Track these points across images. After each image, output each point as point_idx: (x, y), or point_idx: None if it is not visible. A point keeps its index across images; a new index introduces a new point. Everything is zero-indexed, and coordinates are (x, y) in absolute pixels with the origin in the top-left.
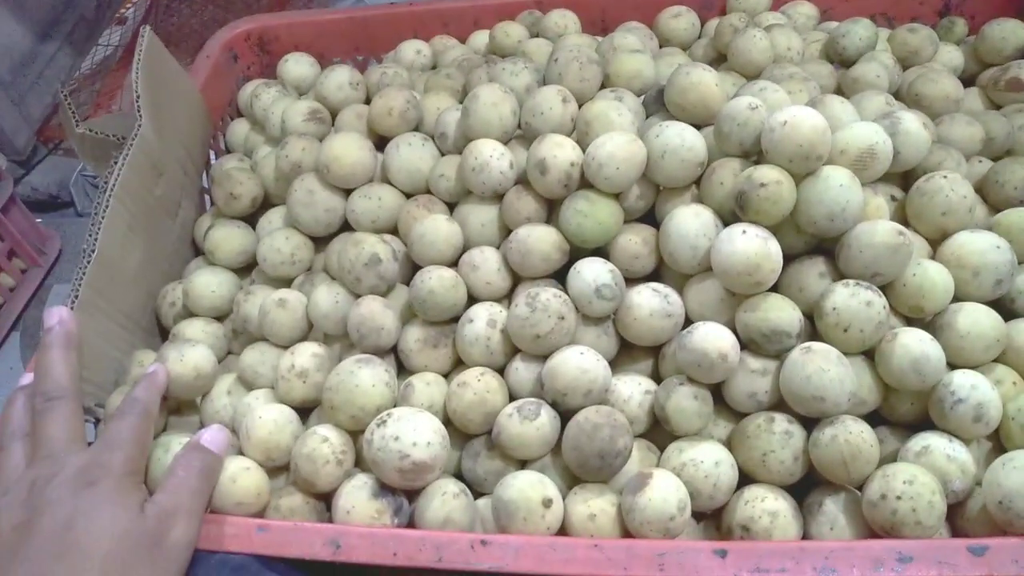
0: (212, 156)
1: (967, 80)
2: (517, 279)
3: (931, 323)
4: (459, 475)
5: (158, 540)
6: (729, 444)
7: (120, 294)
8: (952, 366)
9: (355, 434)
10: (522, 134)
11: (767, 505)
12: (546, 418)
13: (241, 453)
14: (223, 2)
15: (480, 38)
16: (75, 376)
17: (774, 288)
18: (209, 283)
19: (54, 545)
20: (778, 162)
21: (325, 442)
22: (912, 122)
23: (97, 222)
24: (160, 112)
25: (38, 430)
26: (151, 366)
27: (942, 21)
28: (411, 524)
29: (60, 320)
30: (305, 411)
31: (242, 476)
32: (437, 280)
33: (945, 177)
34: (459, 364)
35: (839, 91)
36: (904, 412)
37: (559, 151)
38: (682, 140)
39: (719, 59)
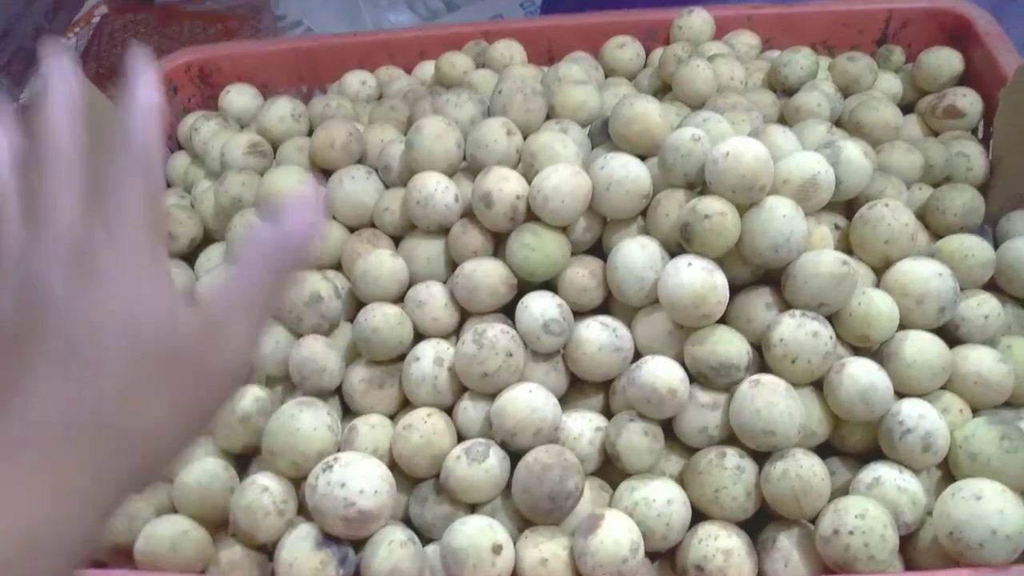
0: None
1: (905, 107)
2: (465, 314)
3: (878, 352)
4: (407, 520)
5: (197, 360)
6: (681, 480)
7: None
8: (900, 395)
9: (297, 480)
10: (467, 166)
11: (720, 543)
12: (495, 459)
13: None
14: (170, 32)
15: (426, 69)
16: (76, 133)
17: (722, 320)
18: None
19: (49, 357)
20: (722, 193)
21: (265, 492)
22: (853, 151)
23: None
24: (87, 146)
25: (35, 197)
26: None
27: (880, 50)
28: (357, 574)
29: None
30: (249, 457)
31: (182, 543)
32: (381, 318)
33: (887, 205)
34: (406, 404)
35: (782, 119)
36: (854, 442)
37: (505, 184)
38: (627, 172)
39: (664, 89)
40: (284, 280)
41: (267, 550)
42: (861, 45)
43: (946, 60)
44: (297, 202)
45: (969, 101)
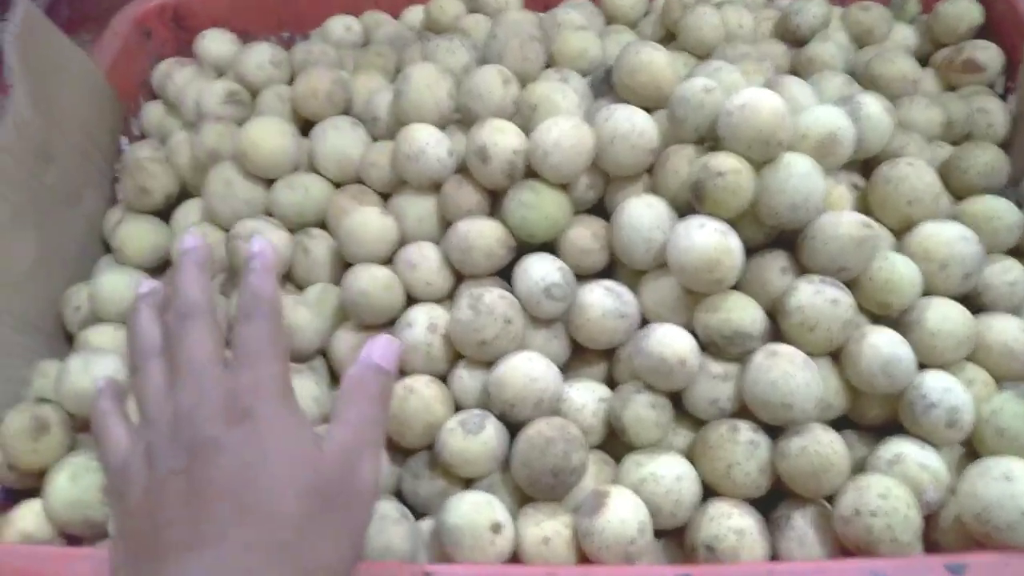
0: (125, 142)
1: (920, 61)
2: (460, 277)
3: (899, 320)
4: (397, 494)
5: (345, 486)
6: (690, 455)
7: (11, 295)
8: (922, 365)
9: None
10: (460, 118)
11: (733, 523)
12: (492, 431)
13: None
14: None
15: (414, 14)
16: (210, 295)
17: (734, 285)
18: (117, 284)
19: (231, 507)
20: (736, 149)
21: None
22: (874, 106)
23: None
24: (46, 92)
25: (175, 349)
26: (253, 242)
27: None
28: None
29: (195, 244)
30: None
31: None
32: (369, 280)
33: (910, 164)
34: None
35: (793, 71)
36: (873, 416)
37: (500, 137)
38: (632, 125)
39: (668, 37)
40: (386, 407)
41: None
42: None
43: (965, 10)
44: (377, 339)
45: (989, 54)
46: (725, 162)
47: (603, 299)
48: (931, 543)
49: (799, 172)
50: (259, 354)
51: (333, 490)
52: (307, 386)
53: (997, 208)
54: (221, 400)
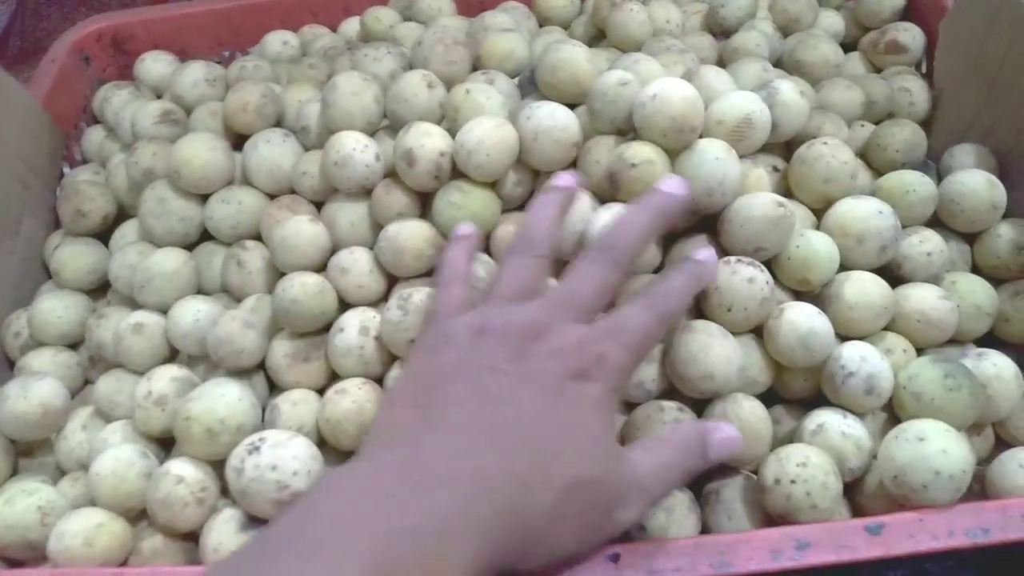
0: (67, 168)
1: (848, 46)
2: (394, 280)
3: (819, 295)
4: None
5: (610, 510)
6: (620, 438)
7: None
8: (843, 338)
9: (212, 461)
10: (388, 124)
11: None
12: None
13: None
14: (97, 4)
15: (351, 25)
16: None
17: (657, 269)
18: (55, 308)
19: (538, 461)
20: (651, 138)
21: (180, 483)
22: (790, 92)
23: None
24: None
25: (502, 273)
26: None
27: None
28: None
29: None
30: (169, 442)
31: (97, 536)
32: (300, 287)
33: (825, 143)
34: (335, 377)
35: (720, 63)
36: (798, 389)
37: (427, 140)
38: (554, 121)
39: (599, 36)
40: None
41: (192, 537)
42: None
43: None
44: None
45: (911, 36)
46: (639, 152)
47: None
48: (859, 508)
49: (712, 157)
50: (624, 328)
51: (604, 504)
52: (243, 391)
53: (912, 182)
54: (569, 346)
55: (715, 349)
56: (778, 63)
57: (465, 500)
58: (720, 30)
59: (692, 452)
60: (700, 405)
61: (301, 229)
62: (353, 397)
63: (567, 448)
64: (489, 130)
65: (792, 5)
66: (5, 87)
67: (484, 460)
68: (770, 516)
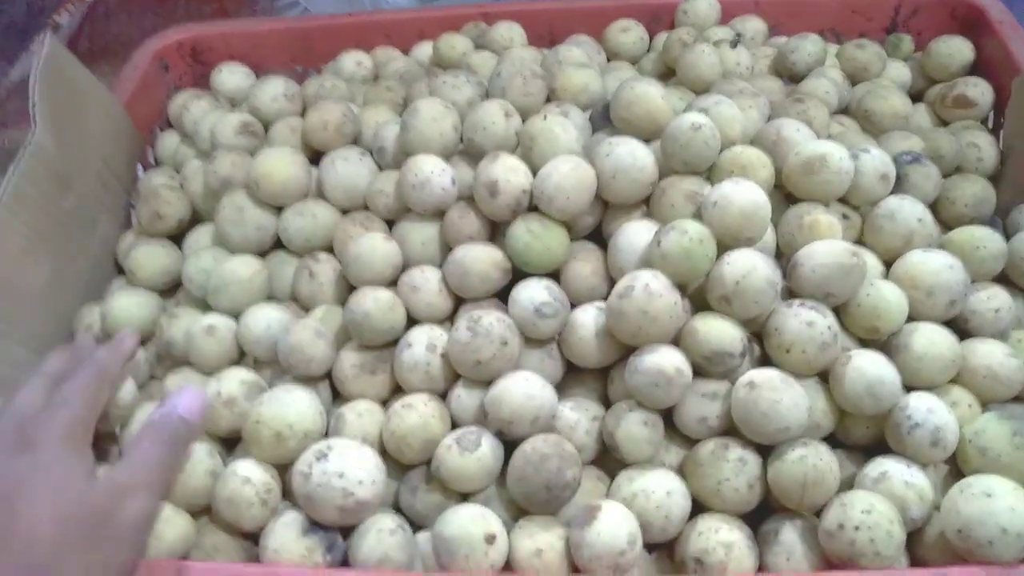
0: (140, 170)
1: (914, 96)
2: (459, 301)
3: (886, 344)
4: (395, 507)
5: (106, 518)
6: (680, 471)
7: (24, 315)
8: (907, 388)
9: (279, 465)
10: (464, 149)
11: (722, 536)
12: (487, 448)
13: None
14: (164, 11)
15: (424, 50)
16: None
17: (727, 307)
18: (128, 305)
19: None
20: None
21: (247, 483)
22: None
23: None
24: (67, 121)
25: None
26: (121, 333)
27: (889, 38)
28: (344, 561)
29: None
30: (234, 442)
31: (164, 529)
32: (373, 302)
33: (904, 199)
34: (397, 390)
35: (788, 107)
36: (859, 436)
37: (513, 176)
38: (634, 159)
39: (668, 74)
40: (177, 453)
41: (251, 536)
42: (870, 33)
43: (957, 49)
44: (185, 389)
45: (980, 91)
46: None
47: (596, 317)
48: (917, 559)
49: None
50: (62, 401)
51: (92, 521)
52: (312, 399)
53: (983, 237)
54: (10, 433)
55: (784, 402)
56: (845, 111)
57: None
58: (788, 74)
59: (164, 439)
60: (763, 445)
61: (376, 246)
62: (419, 413)
63: None
64: (567, 175)
65: (860, 54)
66: (93, 90)
67: None
68: (829, 560)
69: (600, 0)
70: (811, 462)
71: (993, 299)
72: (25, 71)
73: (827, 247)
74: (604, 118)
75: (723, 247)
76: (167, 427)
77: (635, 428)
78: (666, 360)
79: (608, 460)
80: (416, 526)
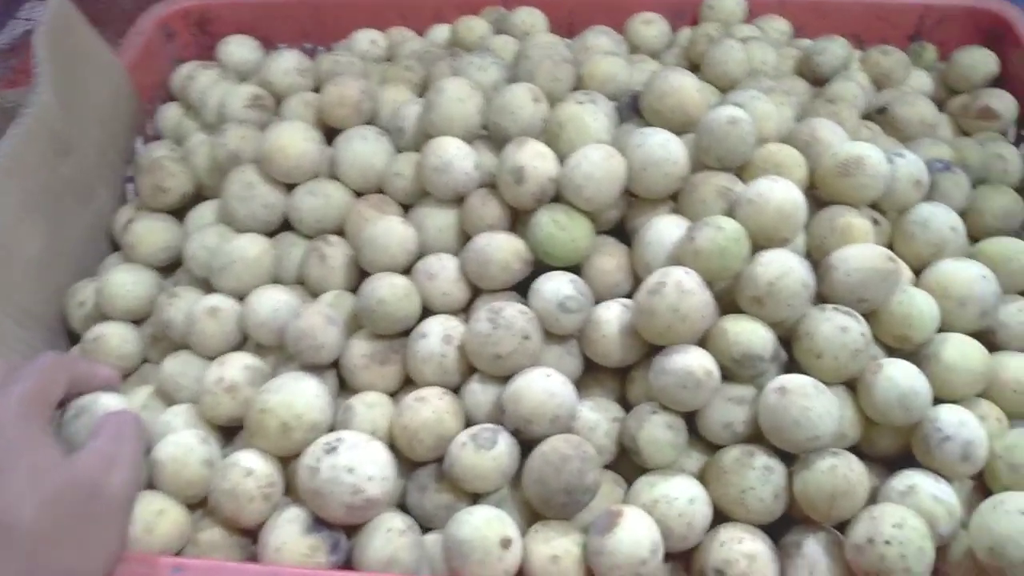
0: (139, 142)
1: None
2: (476, 292)
3: (915, 353)
4: (402, 506)
5: (96, 490)
6: (702, 478)
7: (15, 284)
8: (936, 399)
9: (282, 457)
10: (487, 133)
11: (744, 547)
12: (504, 447)
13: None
14: None
15: (440, 32)
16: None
17: (756, 310)
18: (125, 282)
19: None
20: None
21: (249, 476)
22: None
23: None
24: (71, 83)
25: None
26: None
27: (912, 46)
28: (348, 561)
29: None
30: (235, 430)
31: (158, 523)
32: (388, 288)
33: (938, 206)
34: (408, 383)
35: (816, 108)
36: (884, 447)
37: (540, 163)
38: (667, 152)
39: (691, 69)
40: (143, 442)
41: (250, 532)
42: (893, 40)
43: (981, 60)
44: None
45: (1004, 103)
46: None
47: (621, 314)
48: None
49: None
50: (17, 379)
51: (85, 495)
52: (319, 388)
53: (1014, 249)
54: None
55: (816, 410)
56: (869, 116)
57: None
58: (813, 76)
59: (128, 421)
60: (789, 453)
61: (392, 229)
62: (433, 407)
63: None
64: (598, 163)
65: (885, 60)
66: (98, 51)
67: None
68: (854, 574)
69: None
70: (842, 473)
71: (1023, 312)
72: (14, 36)
73: (863, 251)
74: (631, 109)
75: (756, 247)
76: (127, 416)
77: (658, 431)
78: (695, 361)
79: (624, 464)
80: (423, 527)
